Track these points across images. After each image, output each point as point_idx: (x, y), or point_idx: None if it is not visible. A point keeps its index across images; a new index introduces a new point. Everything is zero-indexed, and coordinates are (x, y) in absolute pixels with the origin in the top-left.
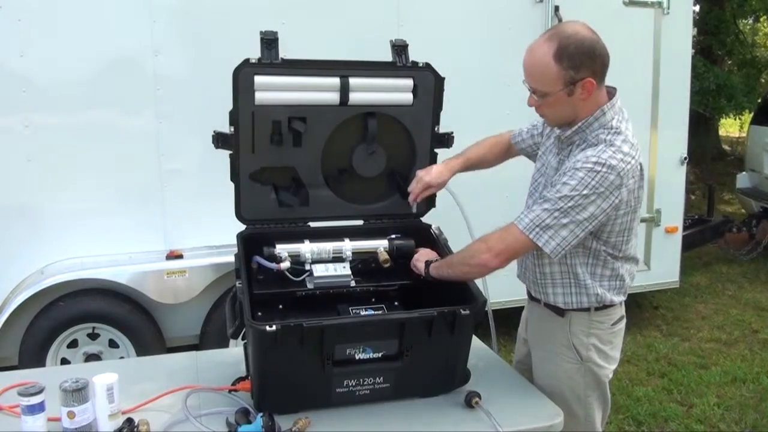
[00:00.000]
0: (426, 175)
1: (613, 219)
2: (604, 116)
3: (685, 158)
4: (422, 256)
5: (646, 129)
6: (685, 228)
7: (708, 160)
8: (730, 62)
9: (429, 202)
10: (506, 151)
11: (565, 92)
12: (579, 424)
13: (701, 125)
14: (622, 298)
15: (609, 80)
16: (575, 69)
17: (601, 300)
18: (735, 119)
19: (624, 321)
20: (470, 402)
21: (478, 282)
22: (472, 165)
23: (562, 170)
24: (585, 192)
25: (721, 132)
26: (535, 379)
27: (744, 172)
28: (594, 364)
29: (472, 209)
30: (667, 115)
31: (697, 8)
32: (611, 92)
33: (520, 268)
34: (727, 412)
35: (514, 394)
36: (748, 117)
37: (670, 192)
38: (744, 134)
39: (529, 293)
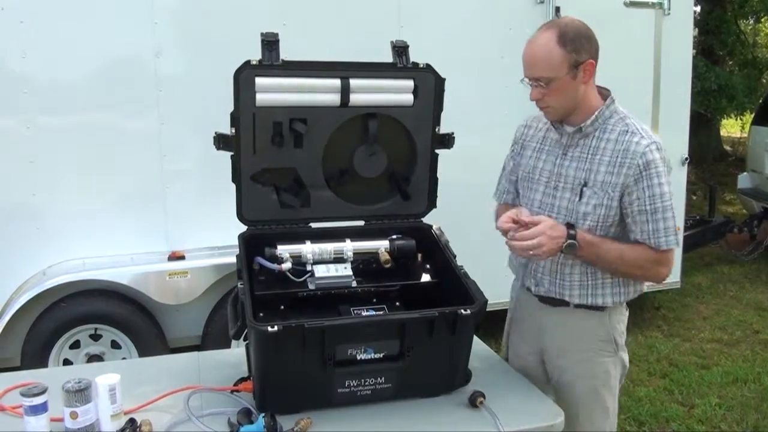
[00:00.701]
0: None
1: None
2: (613, 104)
3: (686, 159)
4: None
5: None
6: (686, 228)
7: (709, 160)
8: (731, 62)
9: (430, 203)
10: None
11: (570, 76)
12: (609, 416)
13: (702, 125)
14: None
15: (610, 80)
16: (577, 52)
17: (641, 290)
18: (736, 120)
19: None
20: (474, 402)
21: (479, 282)
22: None
23: (632, 172)
24: (668, 179)
25: (723, 132)
26: (565, 386)
27: (745, 173)
28: (624, 352)
29: (473, 209)
30: (668, 116)
31: (698, 9)
32: (603, 92)
33: (535, 278)
34: (728, 413)
35: (515, 394)
36: (749, 117)
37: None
38: (745, 135)
39: (545, 299)
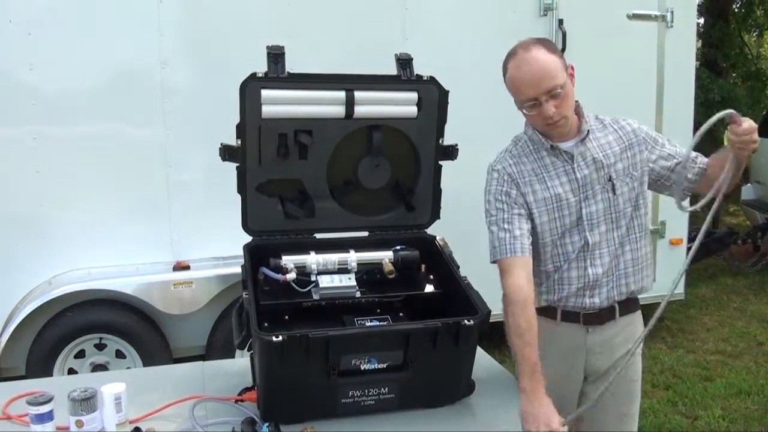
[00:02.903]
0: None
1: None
2: (585, 109)
3: None
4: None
5: None
6: (689, 240)
7: None
8: (734, 74)
9: (434, 214)
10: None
11: (568, 79)
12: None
13: (706, 137)
14: None
15: (614, 92)
16: (562, 57)
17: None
18: None
19: None
20: None
21: (482, 293)
22: None
23: (637, 142)
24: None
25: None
26: (615, 395)
27: (749, 184)
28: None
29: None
30: (671, 127)
31: (701, 21)
32: None
33: (602, 294)
34: (732, 425)
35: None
36: None
37: (674, 204)
38: None
39: (592, 317)
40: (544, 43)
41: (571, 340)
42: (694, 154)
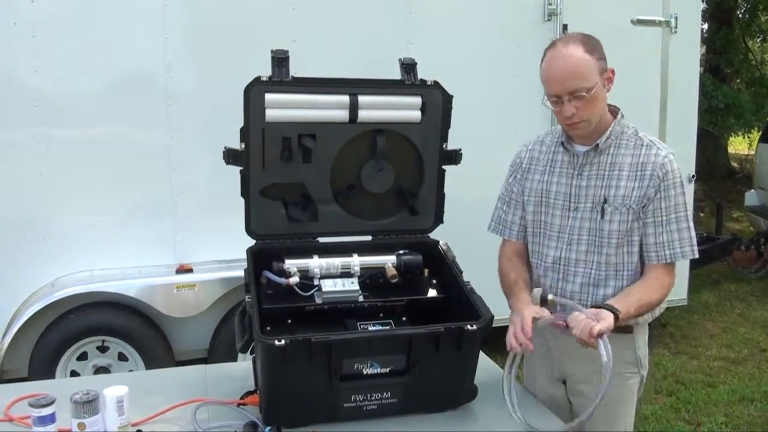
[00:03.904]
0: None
1: None
2: (623, 119)
3: (693, 176)
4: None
5: None
6: None
7: (716, 177)
8: (738, 80)
9: (437, 219)
10: (523, 250)
11: (601, 83)
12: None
13: (710, 142)
14: None
15: (618, 97)
16: (603, 59)
17: (663, 306)
18: (743, 137)
19: None
20: None
21: (485, 297)
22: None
23: (652, 183)
24: (684, 189)
25: (730, 150)
26: (595, 416)
27: (752, 190)
28: (645, 369)
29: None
30: (675, 133)
31: (705, 27)
32: (612, 109)
33: (562, 309)
34: (734, 431)
35: (521, 410)
36: (756, 135)
37: None
38: (752, 152)
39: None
40: (587, 41)
41: (547, 339)
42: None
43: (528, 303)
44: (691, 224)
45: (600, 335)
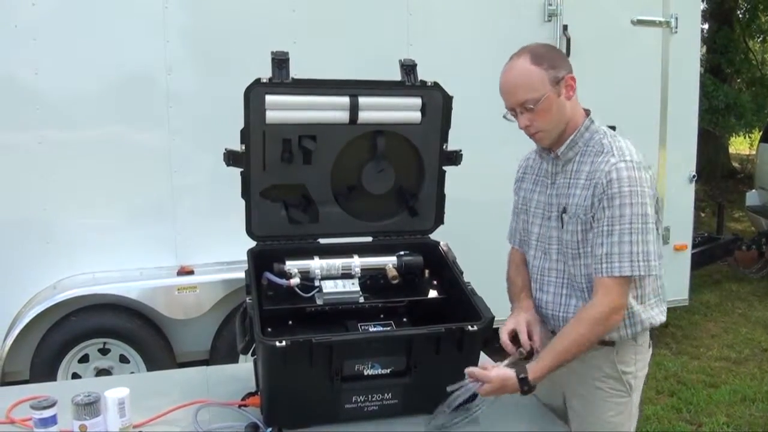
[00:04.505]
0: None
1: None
2: (593, 124)
3: (694, 176)
4: (501, 379)
5: (655, 147)
6: (694, 246)
7: (718, 177)
8: (739, 80)
9: (438, 220)
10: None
11: (554, 92)
12: None
13: (711, 143)
14: (664, 307)
15: (618, 98)
16: (554, 68)
17: (654, 321)
18: (744, 137)
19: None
20: None
21: (486, 298)
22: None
23: (597, 192)
24: (641, 200)
25: (731, 149)
26: (578, 426)
27: (753, 190)
28: (638, 394)
29: (480, 226)
30: (676, 134)
31: (705, 27)
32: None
33: (545, 315)
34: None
35: (521, 411)
36: (757, 135)
37: (679, 210)
38: (753, 152)
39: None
40: (536, 52)
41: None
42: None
43: (528, 310)
44: (640, 239)
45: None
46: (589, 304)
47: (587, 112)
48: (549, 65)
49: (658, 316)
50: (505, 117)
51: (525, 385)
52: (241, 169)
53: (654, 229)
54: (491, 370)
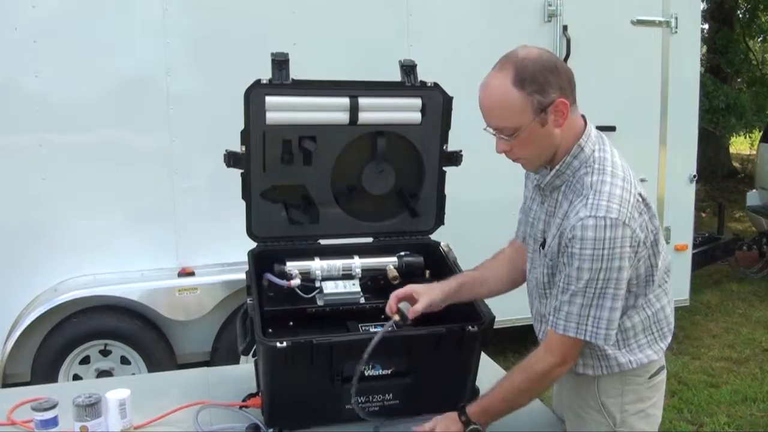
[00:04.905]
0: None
1: (638, 262)
2: (582, 152)
3: (695, 176)
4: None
5: (655, 147)
6: (695, 246)
7: (718, 177)
8: (739, 80)
9: (438, 220)
10: (510, 259)
11: (537, 122)
12: None
13: (711, 142)
14: (664, 346)
15: (618, 98)
16: (541, 92)
17: (639, 361)
18: (745, 137)
19: (665, 372)
20: None
21: (488, 301)
22: (460, 290)
23: (563, 242)
24: (605, 265)
25: (732, 149)
26: None
27: (754, 190)
28: (631, 430)
29: (480, 226)
30: (676, 134)
31: (705, 27)
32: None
33: (539, 335)
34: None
35: (522, 413)
36: (758, 135)
37: (679, 210)
38: (754, 152)
39: None
40: (520, 68)
41: None
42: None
43: (438, 287)
44: (594, 303)
45: None
46: (533, 355)
47: (584, 122)
48: (535, 88)
49: (651, 356)
50: (485, 129)
51: (463, 416)
52: (242, 171)
53: (617, 294)
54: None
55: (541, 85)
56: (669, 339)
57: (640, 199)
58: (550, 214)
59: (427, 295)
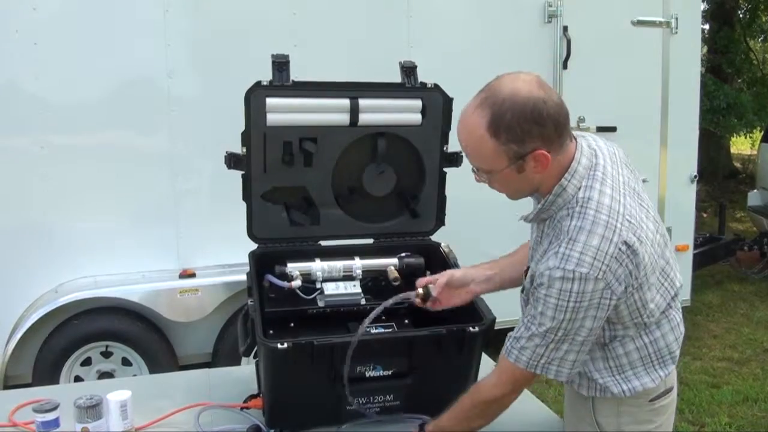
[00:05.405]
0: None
1: (619, 307)
2: (564, 192)
3: (695, 176)
4: None
5: (656, 148)
6: (696, 246)
7: (719, 177)
8: (740, 80)
9: (439, 221)
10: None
11: (512, 169)
12: None
13: (712, 143)
14: (663, 374)
15: (619, 98)
16: (519, 141)
17: (634, 390)
18: (746, 137)
19: (674, 392)
20: None
21: (487, 300)
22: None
23: (534, 282)
24: (569, 317)
25: (733, 150)
26: None
27: (755, 190)
28: None
29: (481, 227)
30: (677, 134)
31: (706, 27)
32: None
33: None
34: None
35: (521, 413)
36: (758, 135)
37: (680, 210)
38: (755, 152)
39: None
40: (496, 114)
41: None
42: None
43: (463, 270)
44: (553, 346)
45: None
46: (486, 378)
47: (573, 154)
48: (511, 137)
49: (647, 384)
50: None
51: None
52: (242, 172)
53: (576, 341)
54: None
55: (519, 135)
56: (671, 367)
57: (624, 248)
58: (537, 242)
59: (449, 280)
